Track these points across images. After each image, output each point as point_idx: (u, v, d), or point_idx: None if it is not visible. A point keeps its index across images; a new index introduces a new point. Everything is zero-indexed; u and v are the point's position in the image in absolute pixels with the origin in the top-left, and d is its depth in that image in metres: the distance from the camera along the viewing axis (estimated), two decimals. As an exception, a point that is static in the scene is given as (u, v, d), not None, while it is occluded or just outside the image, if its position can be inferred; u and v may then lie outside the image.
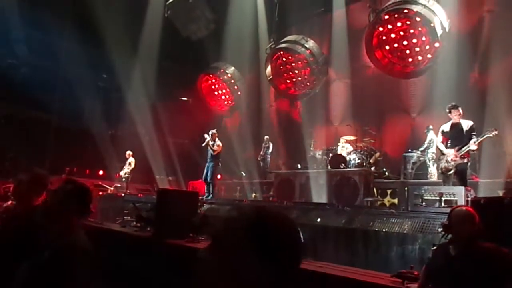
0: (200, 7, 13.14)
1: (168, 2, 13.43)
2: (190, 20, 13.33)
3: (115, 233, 6.90)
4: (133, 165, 12.56)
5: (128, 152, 12.76)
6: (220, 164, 10.77)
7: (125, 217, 8.63)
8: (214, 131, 10.50)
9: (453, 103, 6.54)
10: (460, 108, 6.40)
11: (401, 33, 10.12)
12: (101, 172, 14.04)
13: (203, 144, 10.45)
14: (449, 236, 2.81)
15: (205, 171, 10.45)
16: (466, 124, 6.35)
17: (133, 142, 13.73)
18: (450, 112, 6.45)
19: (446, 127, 6.52)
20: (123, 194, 11.37)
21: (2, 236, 3.09)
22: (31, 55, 12.80)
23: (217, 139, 10.38)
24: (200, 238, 5.77)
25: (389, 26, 10.16)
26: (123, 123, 15.32)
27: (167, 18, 13.65)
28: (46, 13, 12.13)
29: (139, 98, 14.65)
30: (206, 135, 10.40)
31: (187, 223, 5.94)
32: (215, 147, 10.24)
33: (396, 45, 10.29)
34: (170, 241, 5.65)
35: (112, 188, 12.46)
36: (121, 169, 12.73)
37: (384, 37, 10.36)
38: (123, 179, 12.63)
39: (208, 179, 10.37)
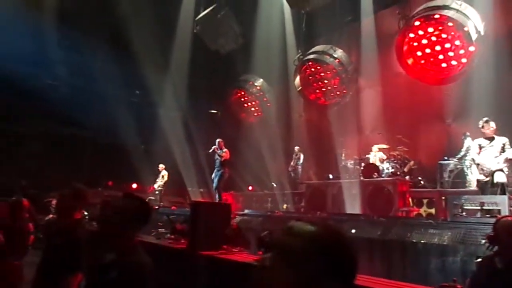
0: (228, 21, 13.35)
1: (197, 18, 13.74)
2: (219, 35, 13.56)
3: (150, 246, 7.01)
4: (166, 178, 12.79)
5: (161, 166, 13.03)
6: (227, 173, 10.76)
7: (159, 229, 8.77)
8: (220, 140, 10.63)
9: (486, 118, 6.38)
10: (492, 123, 6.24)
11: (433, 38, 9.89)
12: (135, 186, 14.38)
13: (210, 151, 10.59)
14: (495, 248, 2.69)
15: (213, 180, 10.53)
16: (501, 141, 6.21)
17: (166, 155, 14.01)
18: (483, 127, 6.32)
19: (481, 141, 6.40)
20: (157, 207, 11.58)
21: (49, 250, 3.22)
22: (68, 75, 13.39)
23: (223, 147, 10.49)
24: (234, 249, 5.78)
25: (420, 32, 9.96)
26: (156, 137, 15.70)
27: (196, 33, 13.95)
28: (82, 35, 12.72)
29: (170, 112, 14.99)
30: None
31: (221, 235, 5.96)
32: (223, 154, 10.34)
33: (428, 50, 10.05)
34: (204, 253, 5.69)
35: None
36: (155, 182, 13.00)
37: (415, 43, 10.16)
38: (157, 192, 12.88)
39: (215, 187, 10.43)
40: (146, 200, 2.45)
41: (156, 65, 13.74)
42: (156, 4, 13.64)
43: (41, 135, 13.86)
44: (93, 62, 13.56)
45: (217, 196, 10.38)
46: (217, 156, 10.50)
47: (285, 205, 11.92)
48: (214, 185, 10.40)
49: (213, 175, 10.66)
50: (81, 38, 12.72)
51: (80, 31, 12.88)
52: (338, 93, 12.76)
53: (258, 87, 15.16)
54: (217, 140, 10.67)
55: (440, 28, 9.68)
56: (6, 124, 13.12)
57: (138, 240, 2.28)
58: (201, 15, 13.60)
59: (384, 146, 10.76)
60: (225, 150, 10.48)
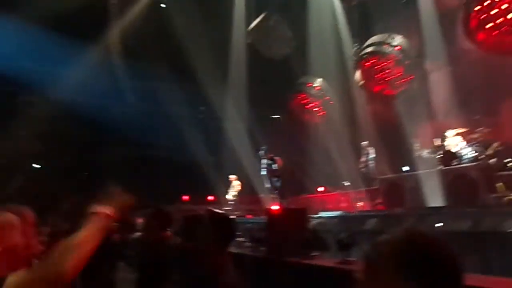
0: (279, 27, 13.42)
1: (249, 28, 13.98)
2: (272, 42, 13.67)
3: (231, 255, 7.18)
4: (238, 187, 13.07)
5: (232, 176, 13.34)
6: (288, 177, 10.45)
7: (237, 239, 8.97)
8: (265, 148, 10.27)
9: None
10: None
11: (504, 6, 9.04)
12: (210, 198, 14.85)
13: (263, 171, 10.27)
14: None
15: (276, 187, 10.29)
16: None
17: (236, 165, 14.33)
18: None
19: None
20: (232, 217, 11.85)
21: (141, 267, 3.44)
22: (138, 102, 14.32)
23: (273, 158, 10.15)
24: (313, 254, 5.72)
25: (488, 2, 9.17)
26: (224, 149, 16.17)
27: (250, 44, 14.18)
28: (145, 63, 13.59)
29: (235, 124, 15.34)
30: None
31: (299, 240, 5.94)
32: (277, 166, 10.00)
33: (501, 19, 9.19)
34: (284, 259, 5.70)
35: (222, 212, 13.08)
36: (227, 193, 13.34)
37: (484, 16, 9.35)
38: (231, 202, 13.21)
39: (277, 194, 10.21)
40: (229, 216, 2.52)
41: (216, 81, 14.22)
42: (208, 22, 14.13)
43: (120, 160, 14.91)
44: (158, 87, 14.37)
45: (280, 201, 10.24)
46: (271, 167, 10.28)
47: (360, 203, 11.58)
48: (276, 191, 10.31)
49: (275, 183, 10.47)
50: (145, 66, 13.57)
51: (143, 59, 13.76)
52: (403, 80, 12.15)
53: (317, 88, 14.97)
54: (261, 151, 10.39)
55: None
56: (89, 153, 14.30)
57: (227, 257, 2.33)
58: (252, 25, 13.82)
59: (462, 130, 10.02)
60: (276, 160, 10.26)
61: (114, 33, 14.46)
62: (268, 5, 13.58)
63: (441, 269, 0.89)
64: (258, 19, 13.63)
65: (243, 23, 14.57)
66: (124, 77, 14.35)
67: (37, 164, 14.65)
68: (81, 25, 12.69)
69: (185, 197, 14.95)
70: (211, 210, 2.57)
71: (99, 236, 1.48)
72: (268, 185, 10.46)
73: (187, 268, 2.76)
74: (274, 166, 10.14)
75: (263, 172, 10.43)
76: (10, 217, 1.56)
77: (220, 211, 2.58)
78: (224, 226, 2.30)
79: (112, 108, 13.97)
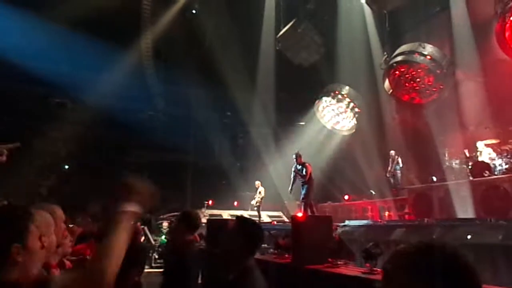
0: (309, 33, 13.44)
1: (278, 35, 14.08)
2: (301, 48, 13.70)
3: (256, 261, 7.22)
4: (263, 193, 13.11)
5: (257, 182, 13.39)
6: (313, 185, 10.17)
7: (262, 245, 9.00)
8: (298, 152, 10.15)
9: None
10: None
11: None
12: (235, 203, 14.95)
13: (292, 177, 10.18)
14: None
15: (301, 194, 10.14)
16: None
17: (261, 170, 14.38)
18: None
19: None
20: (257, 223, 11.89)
21: (166, 270, 3.54)
22: (167, 106, 14.62)
23: (303, 161, 10.00)
24: (339, 262, 5.69)
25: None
26: (250, 155, 16.27)
27: (279, 50, 14.27)
28: (174, 67, 13.89)
29: (261, 129, 15.43)
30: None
31: (324, 248, 5.92)
32: (305, 172, 9.85)
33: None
34: (309, 267, 5.70)
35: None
36: (253, 198, 13.40)
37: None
38: (255, 208, 13.25)
39: (302, 200, 10.06)
40: (257, 223, 2.57)
41: (244, 86, 14.36)
42: (238, 27, 14.32)
43: (147, 164, 15.24)
44: (187, 91, 14.64)
45: (304, 208, 10.09)
46: (300, 177, 10.13)
47: (387, 212, 11.41)
48: (302, 198, 10.17)
49: (301, 189, 10.34)
50: (174, 70, 13.86)
51: (172, 64, 14.08)
52: (434, 89, 11.93)
53: (345, 95, 14.87)
54: (294, 154, 10.33)
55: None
56: (116, 155, 14.68)
57: (254, 262, 2.39)
58: (282, 31, 13.91)
59: (493, 141, 9.78)
60: (306, 165, 10.10)
61: (146, 38, 14.85)
62: (298, 11, 13.64)
63: (456, 281, 0.90)
64: (287, 26, 13.71)
65: (273, 29, 14.69)
66: (154, 82, 14.70)
67: (67, 165, 15.15)
68: (113, 29, 13.06)
69: (210, 202, 15.12)
70: (239, 215, 2.64)
71: (129, 237, 1.44)
72: (293, 189, 10.34)
73: (213, 272, 2.83)
74: (304, 171, 10.06)
75: (292, 175, 10.38)
76: (47, 215, 1.62)
77: (248, 217, 2.64)
78: (251, 232, 2.36)
79: (141, 112, 14.35)
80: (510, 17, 9.10)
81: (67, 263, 2.51)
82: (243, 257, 2.30)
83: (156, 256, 11.12)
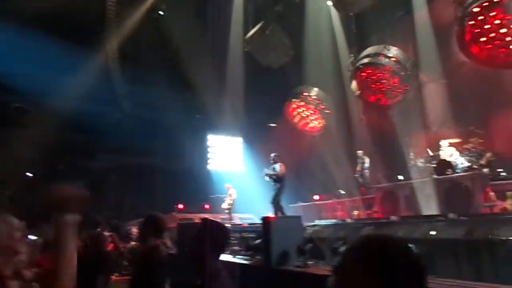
0: (277, 35, 13.53)
1: (247, 37, 14.10)
2: (269, 50, 13.77)
3: (227, 264, 7.18)
4: (234, 196, 13.06)
5: (227, 185, 13.34)
6: (284, 186, 10.22)
7: (233, 247, 8.95)
8: (276, 154, 10.27)
9: None
10: None
11: (497, 21, 9.22)
12: (206, 206, 14.81)
13: (265, 175, 10.24)
14: None
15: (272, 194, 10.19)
16: None
17: (231, 173, 14.32)
18: None
19: None
20: (228, 225, 11.82)
21: (134, 276, 3.45)
22: (135, 109, 14.31)
23: (278, 162, 10.10)
24: (309, 262, 5.74)
25: (481, 17, 9.34)
26: (220, 157, 16.19)
27: (248, 52, 14.29)
28: (142, 69, 13.64)
29: (231, 131, 15.37)
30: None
31: (294, 248, 5.96)
32: (278, 170, 9.94)
33: (493, 34, 9.38)
34: (280, 268, 5.72)
35: (218, 221, 13.04)
36: (224, 201, 13.33)
37: (477, 30, 9.53)
38: (226, 211, 13.19)
39: (272, 201, 10.13)
40: (224, 224, 2.55)
41: (213, 88, 14.27)
42: (206, 30, 14.25)
43: (115, 168, 14.86)
44: (155, 94, 14.38)
45: (274, 210, 10.11)
46: (272, 173, 10.17)
47: (356, 211, 11.63)
48: (271, 199, 10.19)
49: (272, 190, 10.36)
50: (141, 72, 13.60)
51: (140, 66, 13.82)
52: (399, 91, 12.28)
53: (314, 97, 15.07)
54: (272, 154, 10.42)
55: (503, 10, 9.01)
56: (83, 160, 14.23)
57: (222, 265, 2.37)
58: (250, 33, 13.94)
59: (455, 140, 10.17)
60: (279, 164, 10.16)
61: (111, 39, 14.51)
62: (266, 14, 13.72)
63: (401, 269, 0.94)
64: (255, 28, 13.76)
65: (241, 31, 14.69)
66: (121, 84, 14.37)
67: (30, 172, 14.55)
68: (77, 31, 12.70)
69: (180, 206, 14.91)
70: (205, 218, 2.61)
71: (74, 244, 1.43)
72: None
73: (180, 277, 2.78)
74: (275, 169, 10.10)
75: (265, 172, 10.38)
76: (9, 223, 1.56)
77: (214, 220, 2.62)
78: (217, 235, 2.34)
79: (108, 115, 13.98)
80: (469, 21, 9.47)
81: (28, 274, 2.39)
82: (210, 260, 2.28)
83: (126, 263, 10.85)
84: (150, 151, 14.31)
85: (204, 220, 2.48)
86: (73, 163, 14.10)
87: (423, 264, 0.99)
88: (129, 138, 13.37)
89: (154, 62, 14.10)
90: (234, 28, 14.94)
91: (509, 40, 9.23)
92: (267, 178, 10.25)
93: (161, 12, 14.87)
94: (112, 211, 12.93)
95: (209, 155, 16.86)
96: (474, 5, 9.22)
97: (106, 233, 7.21)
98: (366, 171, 12.35)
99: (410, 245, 1.02)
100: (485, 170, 9.21)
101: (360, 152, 12.50)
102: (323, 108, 15.02)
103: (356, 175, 12.48)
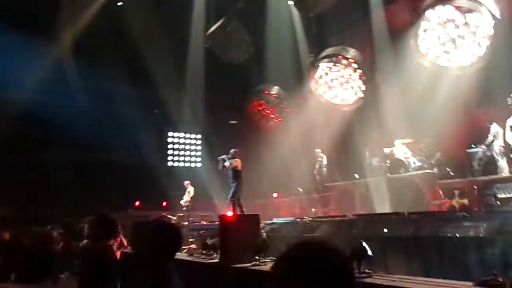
0: (238, 32, 13.46)
1: (208, 33, 13.93)
2: (230, 47, 13.68)
3: (183, 263, 7.08)
4: (192, 193, 12.91)
5: (186, 182, 13.15)
6: (242, 183, 10.32)
7: (191, 246, 8.85)
8: (236, 150, 10.29)
9: None
10: None
11: (449, 25, 9.66)
12: (164, 204, 14.52)
13: (220, 168, 10.24)
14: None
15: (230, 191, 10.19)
16: None
17: (190, 170, 14.11)
18: None
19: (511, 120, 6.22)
20: (186, 223, 11.67)
21: (83, 276, 3.30)
22: (89, 102, 13.74)
23: (236, 157, 10.12)
24: (265, 260, 5.77)
25: (435, 22, 9.76)
26: (179, 154, 15.93)
27: (208, 48, 14.13)
28: (99, 62, 13.10)
29: (191, 127, 15.15)
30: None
31: (252, 246, 5.97)
32: (233, 163, 9.96)
33: (445, 39, 9.83)
34: (236, 266, 5.70)
35: (175, 218, 12.83)
36: (181, 198, 13.13)
37: (430, 34, 9.95)
38: (184, 208, 13.01)
39: (230, 198, 10.13)
40: (176, 226, 2.49)
41: (172, 83, 13.97)
42: (167, 24, 13.89)
43: (68, 163, 14.23)
44: (112, 87, 13.88)
45: (233, 207, 10.07)
46: (227, 166, 10.12)
47: (313, 209, 11.83)
48: (230, 196, 10.15)
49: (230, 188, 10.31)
50: (98, 66, 13.07)
51: (97, 58, 13.27)
52: (356, 91, 12.62)
53: (274, 95, 15.18)
54: (232, 150, 10.36)
55: (455, 16, 9.47)
56: (34, 155, 13.52)
57: (172, 266, 2.32)
58: (211, 29, 13.78)
59: (408, 140, 10.57)
60: (235, 159, 10.11)
61: (66, 30, 13.85)
62: (228, 10, 13.60)
63: (330, 271, 0.98)
64: (216, 24, 13.61)
65: (202, 26, 14.48)
66: (76, 77, 13.74)
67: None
68: (30, 21, 12.07)
69: (137, 203, 14.53)
70: (156, 219, 2.55)
71: None
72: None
73: (130, 277, 2.71)
74: (230, 162, 10.01)
75: (220, 167, 10.28)
76: None
77: (165, 220, 2.55)
78: (169, 237, 2.28)
79: (62, 108, 13.33)
80: (423, 25, 9.87)
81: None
82: (162, 262, 2.21)
83: (77, 262, 10.42)
84: (107, 146, 13.77)
85: (156, 221, 2.40)
86: (24, 157, 13.36)
87: (352, 268, 1.05)
88: (85, 132, 12.82)
89: (111, 55, 13.59)
90: (195, 23, 14.69)
91: (460, 45, 9.71)
92: (220, 167, 10.21)
93: (119, 3, 14.33)
94: (65, 208, 12.38)
95: (168, 152, 16.60)
96: (428, 10, 9.63)
97: (55, 232, 6.89)
98: (324, 169, 12.59)
99: (363, 243, 1.09)
100: (435, 169, 9.67)
101: (318, 151, 12.72)
102: (284, 106, 15.17)
103: (314, 173, 12.70)
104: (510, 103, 6.14)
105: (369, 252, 4.20)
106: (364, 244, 4.21)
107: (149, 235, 2.30)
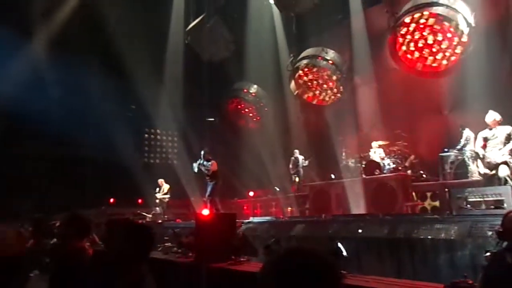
0: (218, 29, 13.37)
1: (187, 28, 13.77)
2: (210, 43, 13.57)
3: (158, 261, 6.97)
4: (166, 190, 12.79)
5: (160, 180, 13.02)
6: (220, 183, 10.22)
7: (165, 244, 8.73)
8: (206, 150, 10.28)
9: (490, 110, 6.47)
10: (496, 114, 6.34)
11: (425, 32, 9.89)
12: (139, 201, 14.30)
13: (196, 171, 10.26)
14: (504, 243, 2.66)
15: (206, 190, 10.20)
16: (504, 131, 6.29)
17: (166, 167, 13.91)
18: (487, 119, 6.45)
19: (485, 133, 6.47)
20: (161, 221, 11.54)
21: (55, 276, 3.20)
22: (63, 96, 13.34)
23: (210, 159, 10.10)
24: (241, 259, 5.75)
25: (411, 28, 9.97)
26: (155, 150, 15.68)
27: (188, 44, 13.98)
28: (74, 54, 12.74)
29: (168, 124, 14.94)
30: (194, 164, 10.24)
31: (228, 245, 5.93)
32: (209, 167, 9.95)
33: (421, 44, 10.06)
34: (212, 265, 5.66)
35: (150, 216, 12.67)
36: (156, 196, 12.99)
37: (407, 39, 10.16)
38: (159, 206, 12.87)
39: (207, 198, 10.14)
40: (148, 226, 2.46)
41: (150, 79, 13.75)
42: (145, 18, 13.65)
43: (40, 157, 13.82)
44: (86, 81, 13.53)
45: (209, 206, 10.05)
46: (204, 169, 10.09)
47: (290, 208, 11.90)
48: (207, 194, 10.12)
49: (206, 186, 10.28)
50: (73, 59, 12.70)
51: (71, 51, 12.90)
52: (334, 93, 12.77)
53: (253, 94, 15.18)
54: (203, 151, 10.31)
55: (431, 22, 9.69)
56: (5, 148, 13.05)
57: (146, 266, 2.28)
58: (191, 25, 13.63)
59: (384, 142, 10.77)
60: (211, 162, 10.06)
61: (41, 21, 13.43)
62: (208, 6, 13.48)
63: (316, 278, 0.99)
64: (196, 20, 13.47)
65: (182, 22, 14.31)
66: (48, 69, 13.31)
67: None
68: (2, 13, 11.66)
69: (112, 200, 14.24)
70: (128, 220, 2.52)
71: None
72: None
73: (102, 278, 2.64)
74: (207, 166, 9.97)
75: (195, 170, 10.24)
76: None
77: (138, 222, 2.52)
78: (142, 237, 2.24)
79: (34, 101, 12.90)
80: (400, 31, 10.07)
81: None
82: (134, 263, 2.18)
83: (47, 260, 10.14)
84: (82, 141, 13.41)
85: (128, 222, 2.37)
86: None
87: (339, 275, 1.06)
88: (59, 127, 12.44)
89: (87, 49, 13.24)
90: (174, 18, 14.51)
91: (435, 52, 9.97)
92: (195, 170, 10.18)
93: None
94: (36, 204, 12.01)
95: (145, 148, 16.35)
96: (406, 15, 9.82)
97: (25, 229, 6.67)
98: (301, 169, 12.68)
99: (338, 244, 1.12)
100: (409, 171, 9.89)
101: (296, 151, 12.80)
102: (262, 105, 15.19)
103: (291, 173, 12.77)
104: (487, 121, 6.42)
105: (344, 253, 4.24)
106: (340, 245, 4.25)
107: (121, 236, 2.26)
